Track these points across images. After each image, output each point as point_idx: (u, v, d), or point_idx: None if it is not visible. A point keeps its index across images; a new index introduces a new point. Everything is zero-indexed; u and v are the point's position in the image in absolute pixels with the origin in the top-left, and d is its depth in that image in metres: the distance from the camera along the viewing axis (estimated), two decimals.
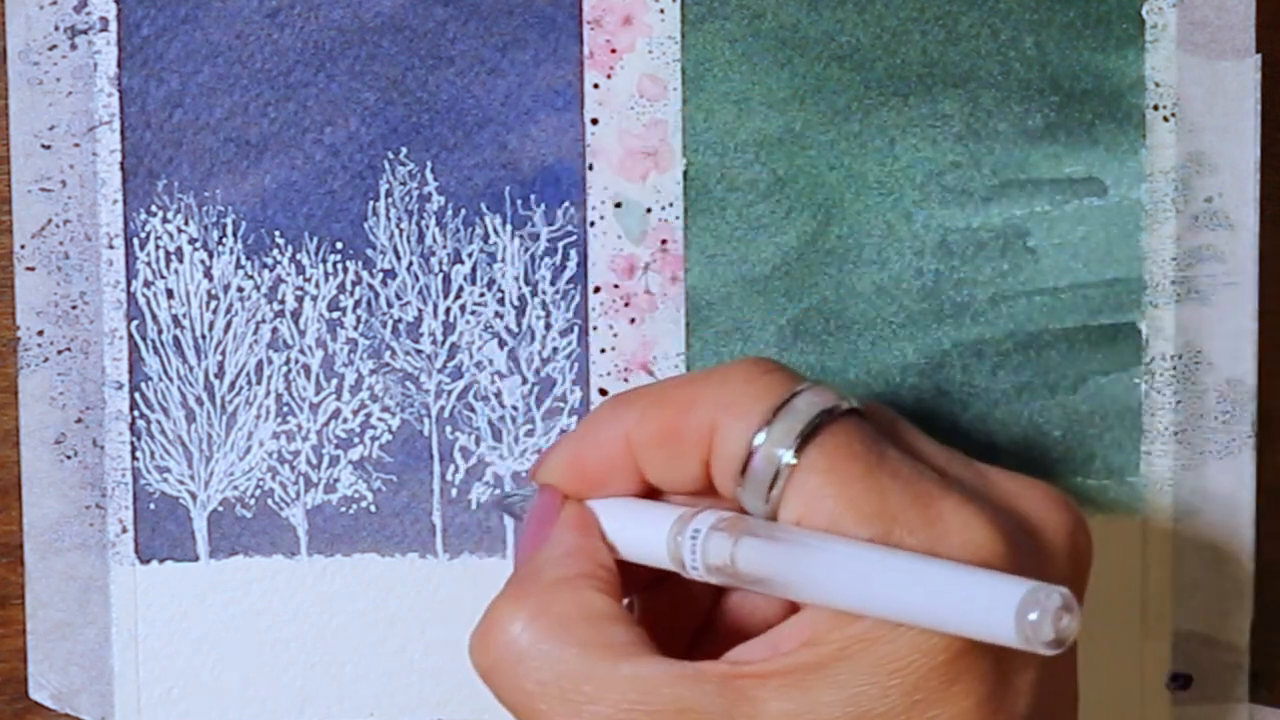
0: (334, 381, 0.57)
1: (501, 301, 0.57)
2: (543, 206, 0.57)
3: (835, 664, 0.45)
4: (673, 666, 0.46)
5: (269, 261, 0.56)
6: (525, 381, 0.57)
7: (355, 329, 0.57)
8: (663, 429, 0.48)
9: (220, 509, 0.57)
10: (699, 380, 0.48)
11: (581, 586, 0.48)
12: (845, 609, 0.45)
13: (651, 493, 0.50)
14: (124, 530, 0.56)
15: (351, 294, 0.57)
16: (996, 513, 0.46)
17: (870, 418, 0.48)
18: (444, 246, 0.57)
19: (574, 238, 0.57)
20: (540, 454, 0.53)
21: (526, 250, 0.57)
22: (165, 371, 0.56)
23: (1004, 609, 0.41)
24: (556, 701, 0.46)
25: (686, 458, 0.48)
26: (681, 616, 0.52)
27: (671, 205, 0.57)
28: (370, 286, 0.57)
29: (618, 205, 0.57)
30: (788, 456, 0.46)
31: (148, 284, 0.56)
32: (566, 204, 0.57)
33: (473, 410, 0.57)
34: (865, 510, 0.45)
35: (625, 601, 0.49)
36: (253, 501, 0.57)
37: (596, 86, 0.56)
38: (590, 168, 0.57)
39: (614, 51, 0.56)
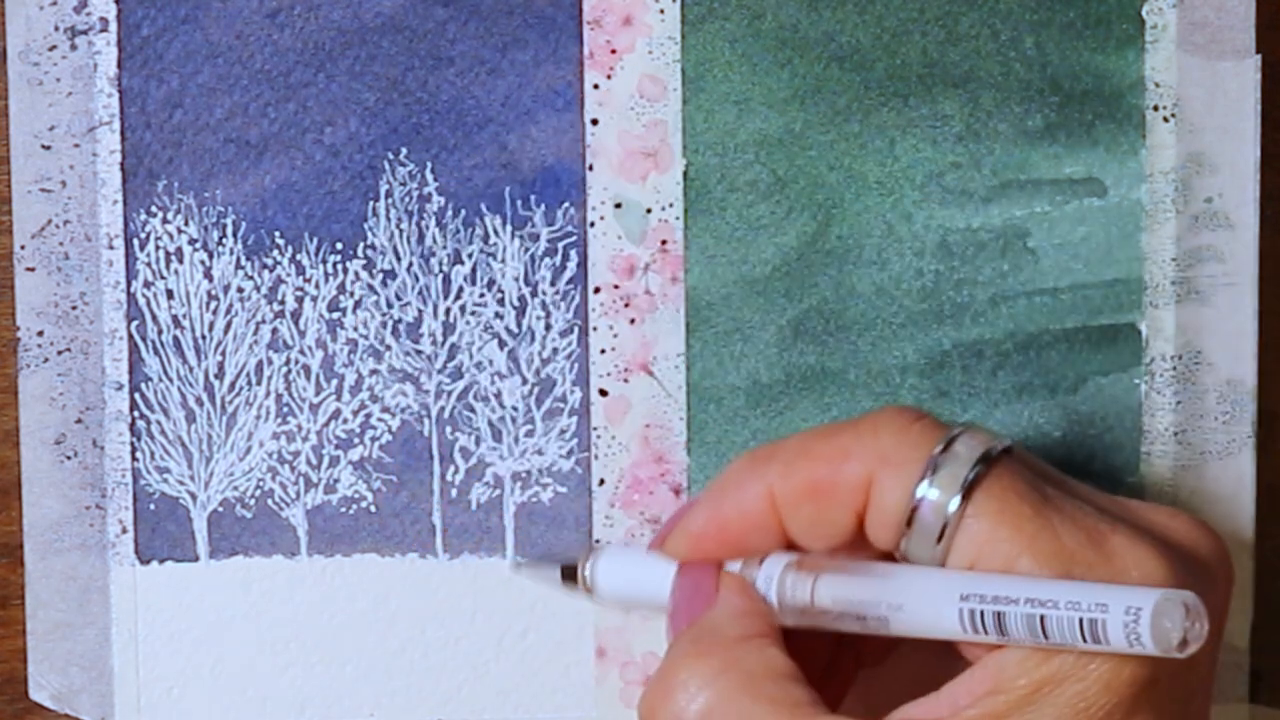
0: (334, 382, 0.57)
1: (501, 302, 0.57)
2: (543, 207, 0.57)
3: (1022, 709, 0.44)
4: None
5: (269, 262, 0.56)
6: (525, 382, 0.57)
7: (355, 329, 0.57)
8: (811, 484, 0.48)
9: (220, 509, 0.57)
10: (845, 431, 0.48)
11: (764, 645, 0.47)
12: (954, 627, 0.45)
13: (790, 549, 0.49)
14: (124, 530, 0.56)
15: (351, 294, 0.57)
16: (1163, 547, 0.46)
17: (1020, 456, 0.48)
18: (444, 247, 0.57)
19: (574, 238, 0.57)
20: (666, 522, 0.51)
21: (526, 250, 0.57)
22: (165, 372, 0.56)
23: (1141, 615, 0.41)
24: None
25: (838, 512, 0.47)
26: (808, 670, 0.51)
27: (671, 205, 0.57)
28: (370, 287, 0.57)
29: (618, 206, 0.57)
30: (954, 504, 0.46)
31: (148, 284, 0.56)
32: (566, 204, 0.57)
33: (473, 410, 0.57)
34: (1042, 550, 0.45)
35: None
36: (253, 502, 0.57)
37: (596, 87, 0.56)
38: (590, 168, 0.57)
39: (614, 52, 0.56)
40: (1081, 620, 0.43)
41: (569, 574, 0.53)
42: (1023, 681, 0.44)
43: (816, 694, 0.46)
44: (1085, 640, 0.43)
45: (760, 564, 0.48)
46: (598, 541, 0.55)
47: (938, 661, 0.48)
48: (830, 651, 0.52)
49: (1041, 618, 0.43)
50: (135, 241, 0.56)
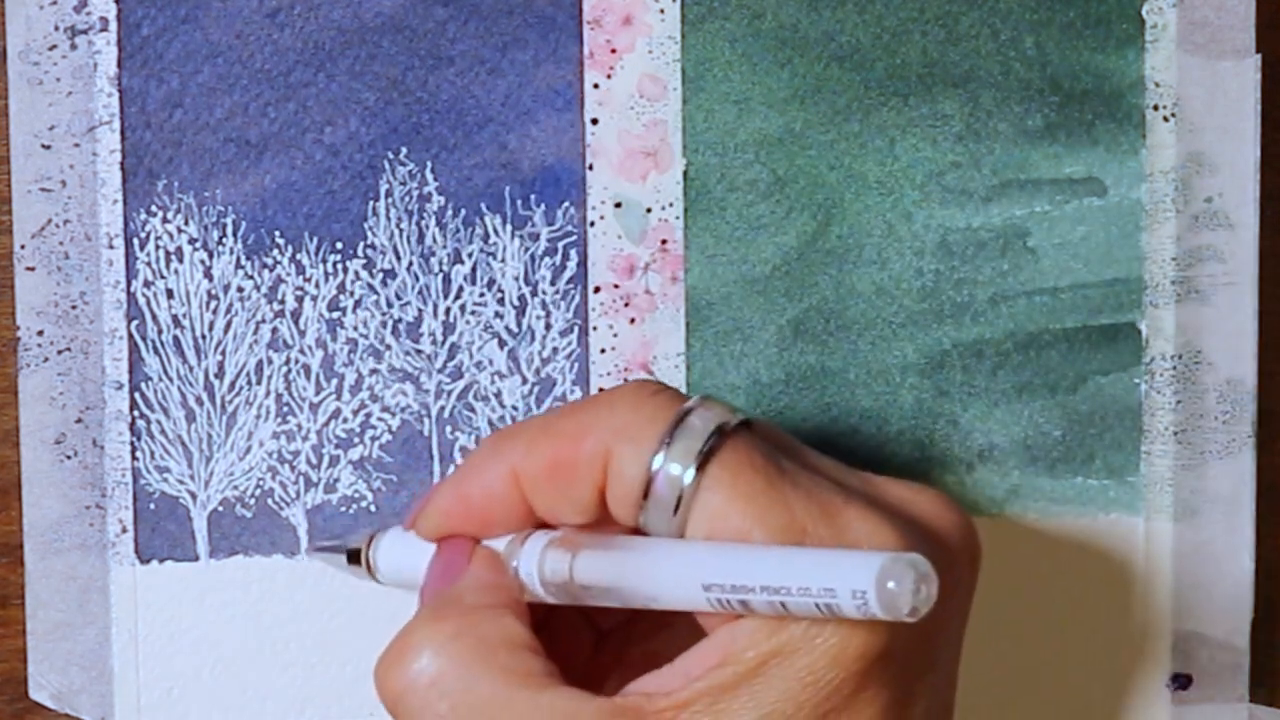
0: (334, 381, 0.57)
1: (501, 301, 0.57)
2: (543, 206, 0.57)
3: (751, 681, 0.45)
4: (590, 700, 0.45)
5: (269, 261, 0.56)
6: (525, 381, 0.57)
7: (355, 329, 0.57)
8: (553, 461, 0.48)
9: (220, 509, 0.57)
10: (585, 408, 0.48)
11: (502, 614, 0.47)
12: (704, 606, 0.45)
13: (539, 527, 0.50)
14: (124, 530, 0.56)
15: (351, 294, 0.57)
16: (897, 519, 0.46)
17: (760, 430, 0.48)
18: (444, 246, 0.57)
19: (574, 238, 0.57)
20: (417, 500, 0.52)
21: (526, 250, 0.57)
22: (165, 371, 0.56)
23: (865, 579, 0.41)
24: None
25: (580, 488, 0.48)
26: (567, 656, 0.51)
27: (671, 205, 0.57)
28: (370, 286, 0.57)
29: (618, 205, 0.57)
30: (690, 476, 0.46)
31: (148, 284, 0.56)
32: (566, 204, 0.57)
33: (473, 410, 0.57)
34: (774, 524, 0.45)
35: None
36: (253, 501, 0.57)
37: (596, 86, 0.56)
38: (590, 168, 0.57)
39: (614, 51, 0.56)
40: (816, 603, 0.43)
41: (355, 558, 0.54)
42: (751, 654, 0.45)
43: (553, 666, 0.47)
44: (821, 611, 0.43)
45: (524, 542, 0.49)
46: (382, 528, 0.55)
47: (686, 626, 0.48)
48: (589, 621, 0.52)
49: (783, 603, 0.43)
50: (135, 241, 0.56)
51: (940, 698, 0.48)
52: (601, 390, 0.49)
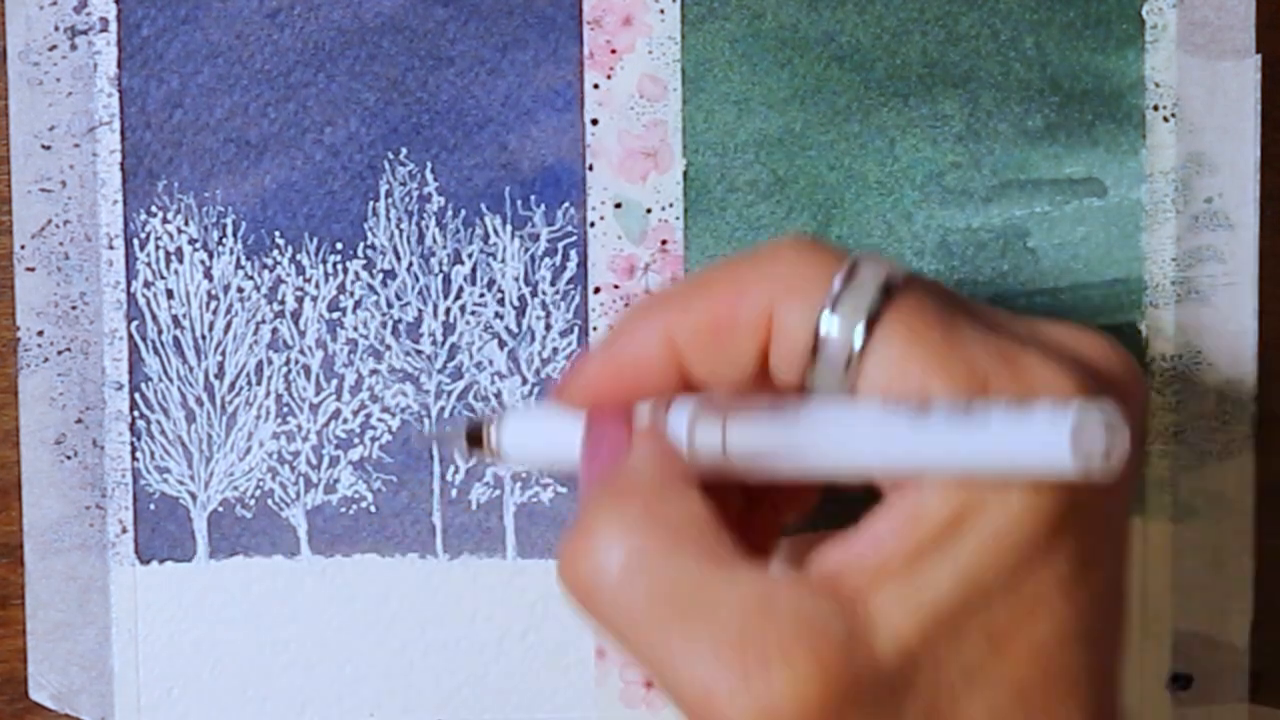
0: (334, 382, 0.57)
1: (501, 302, 0.57)
2: (543, 207, 0.57)
3: (945, 539, 0.42)
4: (786, 577, 0.43)
5: (269, 262, 0.56)
6: (525, 382, 0.57)
7: (355, 329, 0.57)
8: (712, 320, 0.45)
9: (220, 509, 0.57)
10: (742, 265, 0.45)
11: (685, 490, 0.44)
12: (883, 472, 0.43)
13: (689, 391, 0.47)
14: (124, 530, 0.56)
15: (351, 294, 0.57)
16: (1072, 362, 0.44)
17: (927, 284, 0.46)
18: (444, 247, 0.57)
19: (574, 238, 0.57)
20: (563, 372, 0.48)
21: (526, 250, 0.57)
22: (165, 372, 0.56)
23: (1058, 437, 0.40)
24: (672, 616, 0.43)
25: (740, 347, 0.45)
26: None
27: (671, 205, 0.57)
28: (370, 287, 0.57)
29: (618, 206, 0.57)
30: (861, 330, 0.43)
31: (148, 284, 0.56)
32: (566, 204, 0.57)
33: (473, 410, 0.57)
34: (955, 373, 0.43)
35: None
36: (253, 502, 0.57)
37: (596, 86, 0.56)
38: (590, 168, 0.57)
39: (614, 52, 0.56)
40: (1008, 462, 0.41)
41: (475, 440, 0.50)
42: (941, 515, 0.42)
43: (740, 542, 0.44)
44: (1013, 470, 0.41)
45: (667, 410, 0.46)
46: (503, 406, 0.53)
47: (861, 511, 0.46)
48: (746, 510, 0.50)
49: (970, 465, 0.41)
50: (135, 241, 0.56)
51: (1120, 562, 0.45)
52: (758, 246, 0.46)
